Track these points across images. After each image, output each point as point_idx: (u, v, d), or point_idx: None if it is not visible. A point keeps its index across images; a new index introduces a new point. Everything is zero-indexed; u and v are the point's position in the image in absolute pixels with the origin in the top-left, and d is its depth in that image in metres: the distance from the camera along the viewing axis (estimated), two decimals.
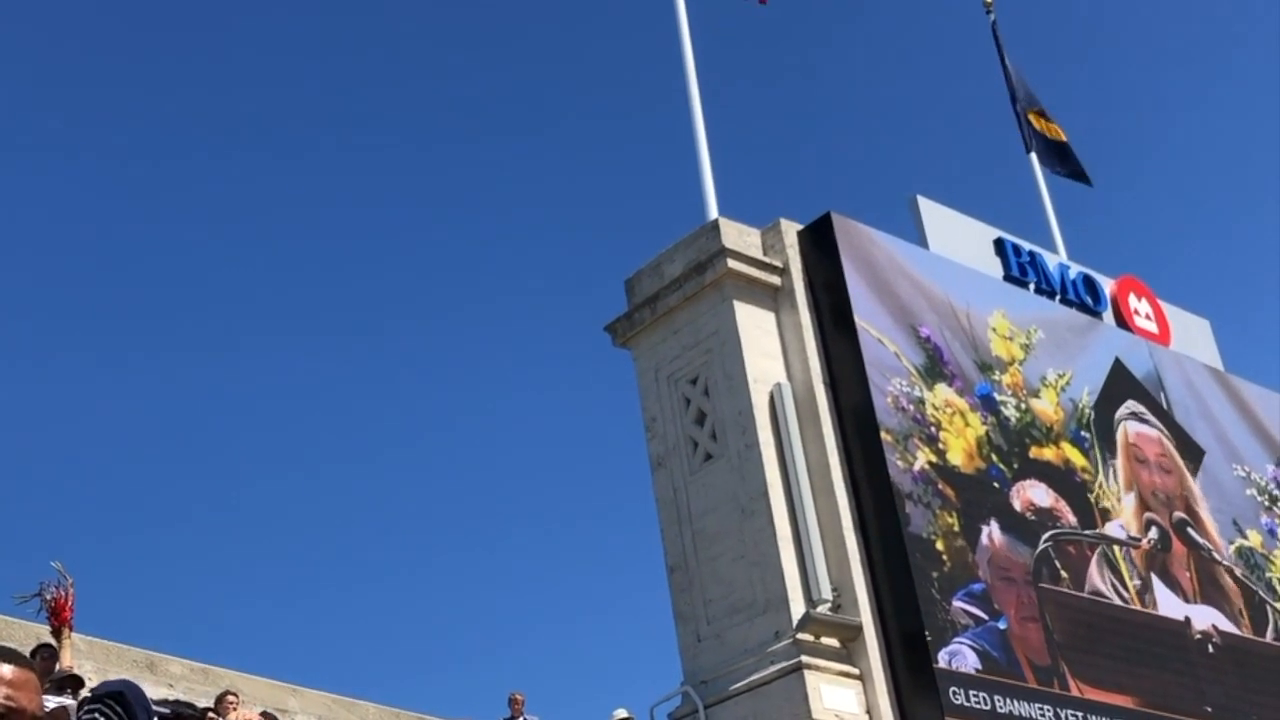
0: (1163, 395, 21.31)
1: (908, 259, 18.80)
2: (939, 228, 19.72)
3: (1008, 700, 15.93)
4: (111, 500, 41.62)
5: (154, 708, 7.49)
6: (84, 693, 5.82)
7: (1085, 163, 25.56)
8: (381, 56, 47.82)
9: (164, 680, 11.87)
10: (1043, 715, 16.18)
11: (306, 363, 45.31)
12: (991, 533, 17.21)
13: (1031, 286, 20.65)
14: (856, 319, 17.29)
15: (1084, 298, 21.28)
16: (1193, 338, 23.18)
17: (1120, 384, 20.67)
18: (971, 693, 15.65)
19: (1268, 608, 20.50)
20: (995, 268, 20.30)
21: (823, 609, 15.63)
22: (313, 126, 46.10)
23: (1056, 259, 21.82)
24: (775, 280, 17.64)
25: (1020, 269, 20.57)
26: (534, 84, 48.98)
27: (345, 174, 46.52)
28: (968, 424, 17.95)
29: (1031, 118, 25.13)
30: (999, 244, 20.56)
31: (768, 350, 17.25)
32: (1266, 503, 21.84)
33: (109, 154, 42.90)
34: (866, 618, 15.89)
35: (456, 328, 47.25)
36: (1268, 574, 20.97)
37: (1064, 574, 17.74)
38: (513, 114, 48.37)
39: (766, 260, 17.67)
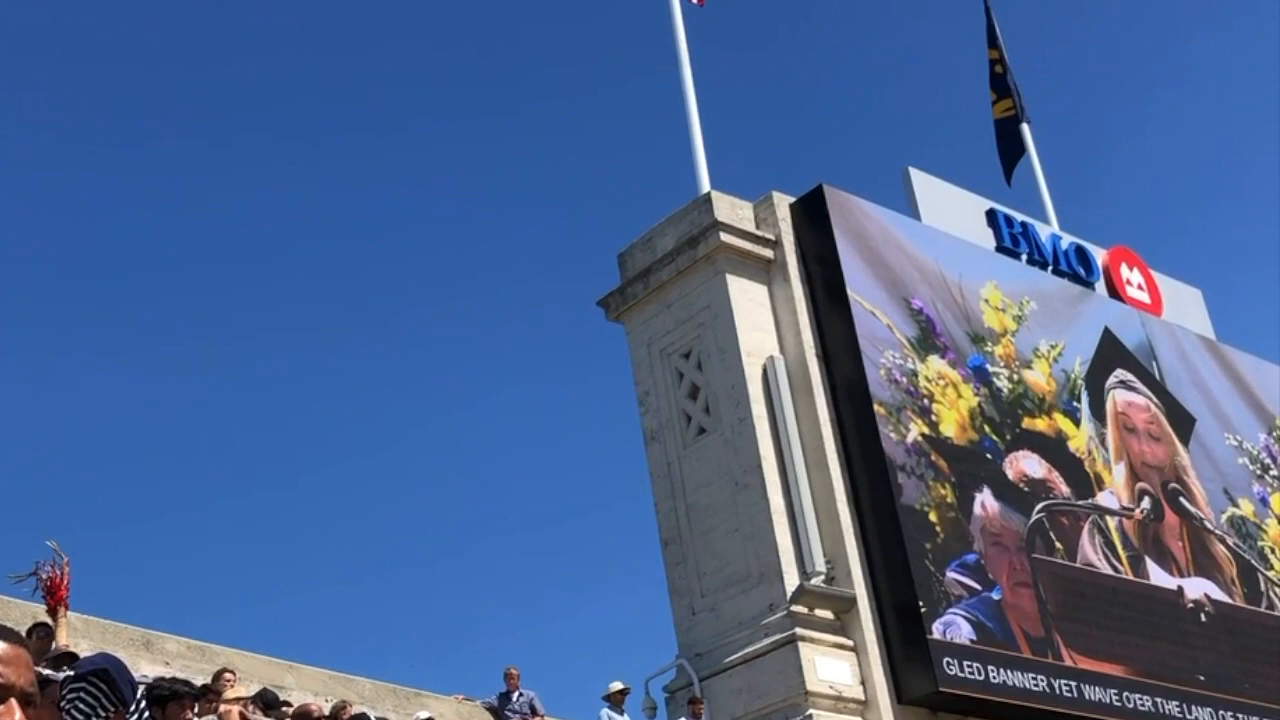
0: (1155, 365, 21.34)
1: (900, 231, 18.79)
2: (931, 199, 19.70)
3: (1001, 670, 16.01)
4: (108, 481, 41.62)
5: (154, 684, 7.51)
6: (66, 670, 5.83)
7: (1075, 133, 25.49)
8: (370, 33, 47.63)
9: (160, 658, 11.91)
10: (1036, 685, 16.26)
11: (300, 345, 45.18)
12: (984, 500, 17.25)
13: (1024, 257, 20.64)
14: (849, 291, 17.29)
15: (1076, 268, 21.29)
16: (1185, 307, 23.20)
17: (1110, 353, 20.69)
18: (965, 663, 15.72)
19: (1259, 576, 20.58)
20: (987, 239, 20.29)
21: (816, 581, 15.68)
22: (297, 104, 45.92)
23: (1049, 230, 21.82)
24: (768, 253, 17.63)
25: (1012, 240, 20.57)
26: (524, 59, 48.84)
27: (332, 155, 46.38)
28: (960, 396, 17.98)
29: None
30: (991, 215, 20.55)
31: (760, 323, 17.25)
32: (1258, 471, 21.90)
33: (100, 142, 42.78)
34: (860, 590, 15.94)
35: (448, 306, 47.19)
36: (1260, 543, 21.04)
37: (1057, 544, 17.80)
38: (503, 89, 48.23)
39: (759, 233, 17.65)
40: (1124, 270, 22.21)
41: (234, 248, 43.35)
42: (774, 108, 48.68)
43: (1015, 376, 18.94)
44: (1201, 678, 18.27)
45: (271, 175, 44.48)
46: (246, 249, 43.91)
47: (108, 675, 5.34)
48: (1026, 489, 17.97)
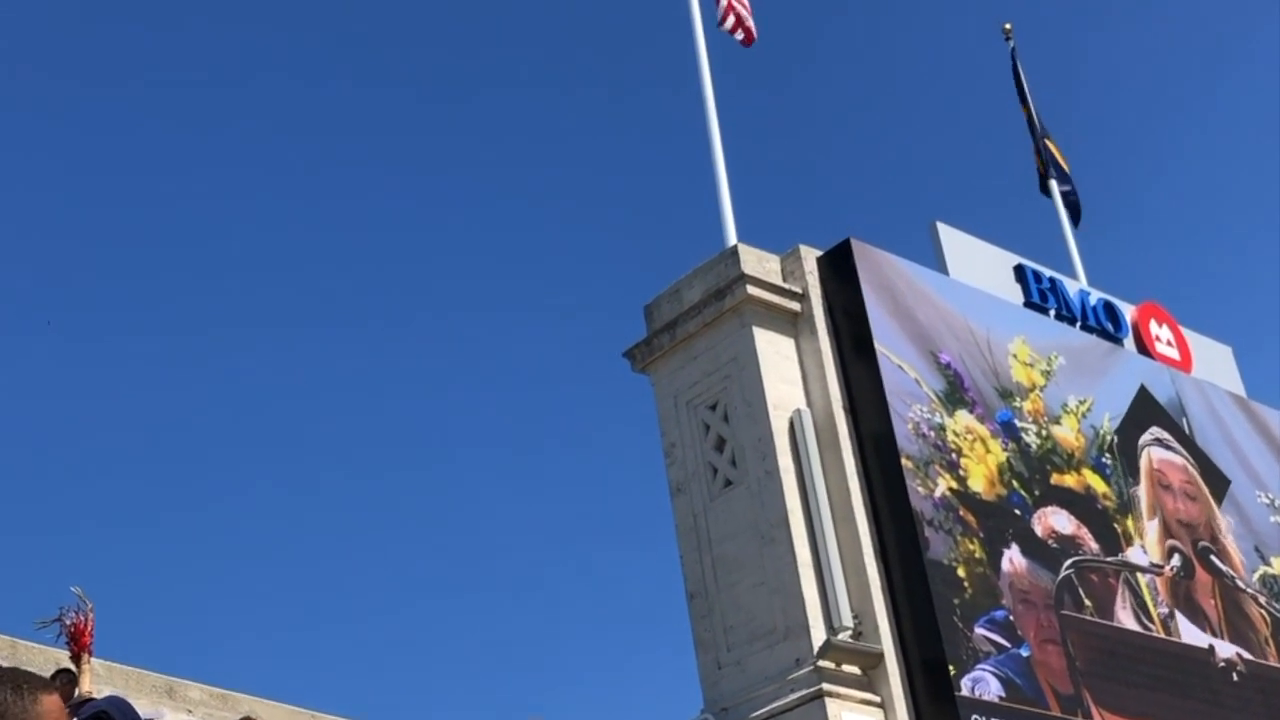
0: (1185, 421, 21.20)
1: (928, 285, 18.76)
2: (959, 254, 19.68)
3: None
4: (132, 527, 41.73)
5: None
6: None
7: (1103, 188, 25.56)
8: (412, 79, 48.10)
9: (183, 705, 11.87)
10: None
11: (328, 379, 45.43)
12: (1013, 557, 17.11)
13: (1052, 313, 20.58)
14: (876, 345, 17.25)
15: (1105, 324, 21.21)
16: (1215, 364, 23.07)
17: (1144, 410, 20.57)
18: None
19: None
20: (1015, 294, 20.24)
21: (843, 636, 15.55)
22: (332, 166, 46.35)
23: (1077, 285, 21.76)
24: (795, 306, 17.62)
25: (1040, 295, 20.51)
26: (554, 109, 49.15)
27: (363, 198, 46.72)
28: (989, 450, 17.88)
29: (1048, 143, 25.13)
30: (1019, 270, 20.51)
31: (787, 376, 17.21)
32: None
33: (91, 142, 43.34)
34: (888, 645, 15.81)
35: (476, 353, 47.35)
36: None
37: (1087, 601, 17.63)
38: (533, 139, 48.54)
39: (786, 286, 17.64)
40: (1153, 326, 22.12)
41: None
42: (802, 161, 48.88)
43: (1044, 432, 18.83)
44: None
45: (301, 213, 44.79)
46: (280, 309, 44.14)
47: (107, 717, 5.30)
48: (1055, 545, 17.82)
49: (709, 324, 17.50)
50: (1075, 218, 24.76)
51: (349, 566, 43.78)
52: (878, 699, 15.56)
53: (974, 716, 15.40)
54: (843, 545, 16.14)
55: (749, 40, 21.05)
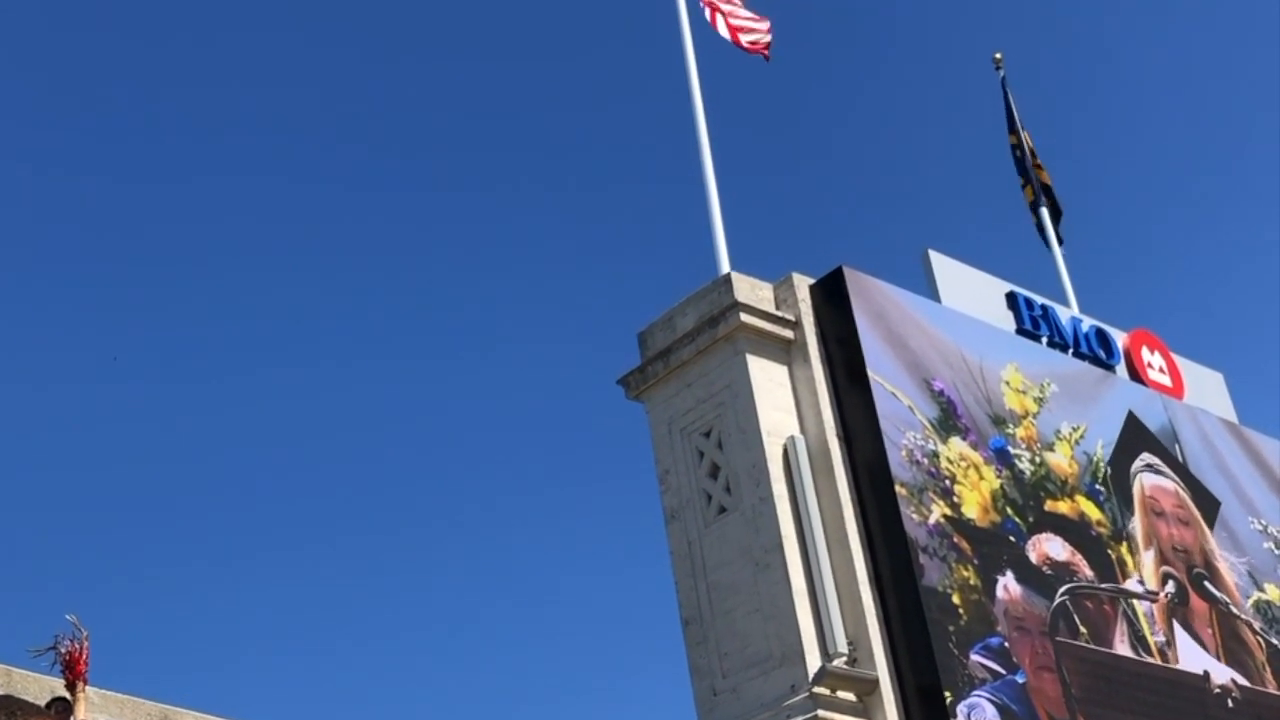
0: (1177, 448, 21.25)
1: (920, 313, 18.82)
2: (951, 282, 19.75)
3: None
4: (127, 554, 41.82)
5: None
6: None
7: (1095, 215, 25.67)
8: (411, 107, 48.35)
9: None
10: None
11: (322, 449, 45.52)
12: (1007, 584, 17.13)
13: (1044, 340, 20.65)
14: (870, 372, 17.29)
15: (1097, 351, 21.28)
16: (1207, 391, 23.14)
17: (1135, 437, 20.62)
18: None
19: None
20: (1008, 321, 20.31)
21: (838, 663, 15.55)
22: (330, 180, 46.52)
23: (1069, 312, 21.84)
24: (788, 334, 17.67)
25: (1033, 322, 20.59)
26: (548, 138, 49.35)
27: (358, 223, 46.90)
28: (982, 477, 17.91)
29: (1039, 170, 25.25)
30: (1011, 298, 20.59)
31: (781, 403, 17.24)
32: None
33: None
34: (883, 671, 15.79)
35: (467, 380, 47.41)
36: None
37: (1082, 628, 17.63)
38: (526, 166, 48.69)
39: (779, 314, 17.70)
40: (1145, 353, 22.19)
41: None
42: (794, 190, 49.08)
43: (1037, 459, 18.87)
44: None
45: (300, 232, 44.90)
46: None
47: None
48: (1050, 572, 17.84)
49: (702, 351, 17.53)
50: (1055, 218, 24.79)
51: (343, 598, 43.73)
52: None
53: None
54: (837, 572, 16.14)
55: (767, 55, 21.16)
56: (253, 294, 45.44)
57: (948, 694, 15.57)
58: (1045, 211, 24.82)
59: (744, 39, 21.18)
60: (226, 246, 45.77)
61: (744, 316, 17.31)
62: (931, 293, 19.45)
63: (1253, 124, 47.80)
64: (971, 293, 19.97)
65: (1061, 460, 19.22)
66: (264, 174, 46.86)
